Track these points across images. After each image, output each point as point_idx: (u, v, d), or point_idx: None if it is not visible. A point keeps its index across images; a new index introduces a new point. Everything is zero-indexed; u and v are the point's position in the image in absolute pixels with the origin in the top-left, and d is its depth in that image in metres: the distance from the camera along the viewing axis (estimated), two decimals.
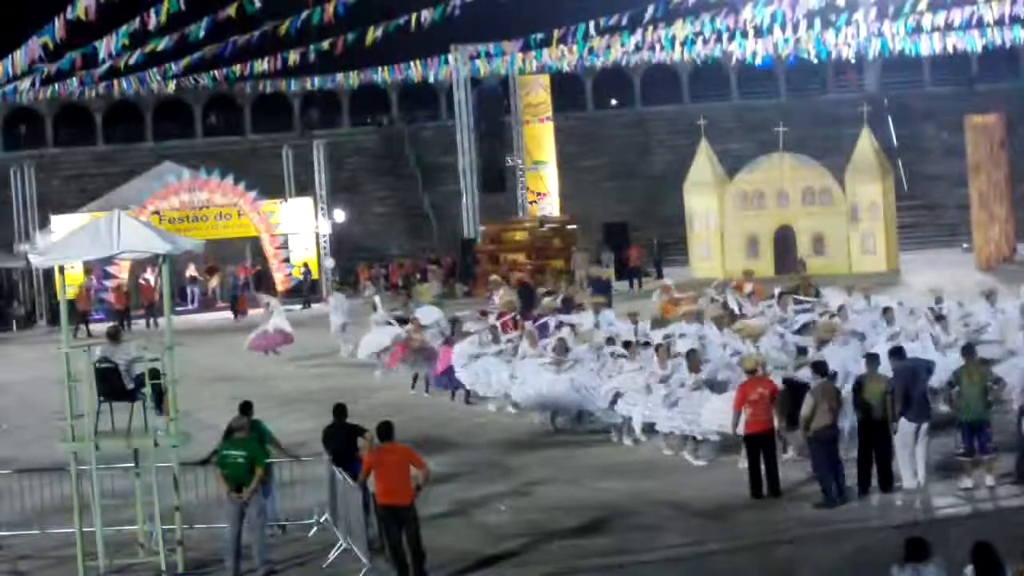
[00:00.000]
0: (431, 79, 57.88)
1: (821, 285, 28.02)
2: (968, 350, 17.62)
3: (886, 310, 22.65)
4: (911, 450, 16.78)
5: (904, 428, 16.76)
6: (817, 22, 41.64)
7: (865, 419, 16.85)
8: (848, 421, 17.36)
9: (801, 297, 26.01)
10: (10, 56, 33.72)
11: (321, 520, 16.22)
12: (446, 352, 24.63)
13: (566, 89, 61.20)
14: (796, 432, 17.47)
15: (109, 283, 44.55)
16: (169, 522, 14.97)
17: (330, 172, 50.16)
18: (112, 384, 15.16)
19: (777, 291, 26.37)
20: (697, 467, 18.60)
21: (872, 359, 17.46)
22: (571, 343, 22.64)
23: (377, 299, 32.00)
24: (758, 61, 48.52)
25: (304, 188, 49.66)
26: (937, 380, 18.36)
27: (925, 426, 16.87)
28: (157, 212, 45.03)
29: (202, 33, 34.49)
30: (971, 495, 16.41)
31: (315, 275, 47.57)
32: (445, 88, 58.20)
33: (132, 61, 38.39)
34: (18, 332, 43.72)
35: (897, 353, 17.69)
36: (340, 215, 51.86)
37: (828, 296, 26.03)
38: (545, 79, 52.99)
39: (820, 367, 17.26)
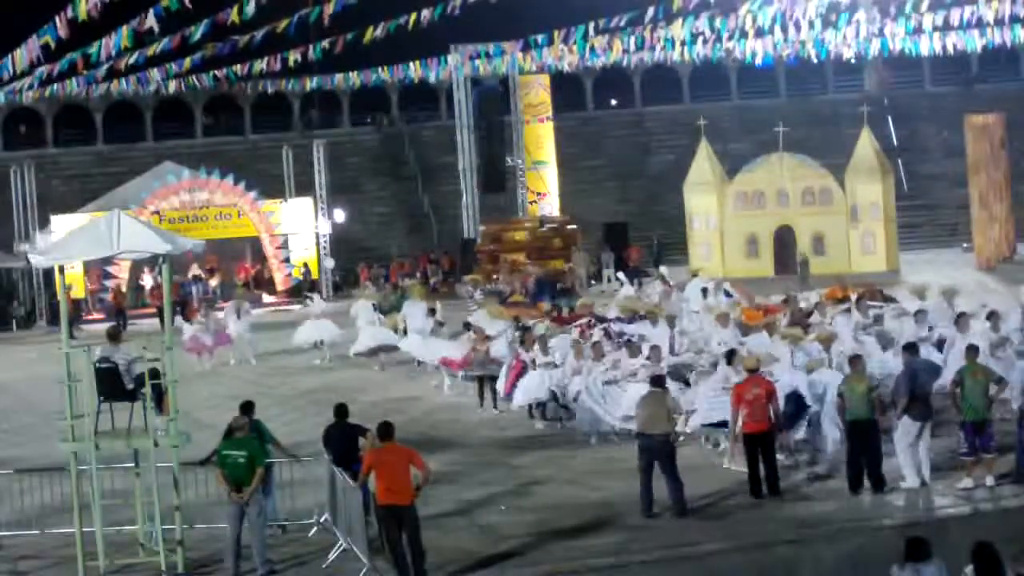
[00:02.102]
0: (431, 79, 57.93)
1: (887, 290, 27.38)
2: (972, 350, 17.63)
3: (960, 315, 21.75)
4: (914, 448, 16.79)
5: (907, 426, 16.79)
6: (817, 22, 41.68)
7: (850, 419, 16.89)
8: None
9: (873, 303, 25.03)
10: (10, 56, 33.75)
11: (321, 520, 16.22)
12: (518, 365, 22.59)
13: (566, 89, 61.20)
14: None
15: (109, 283, 44.63)
16: (169, 522, 14.97)
17: (330, 172, 50.15)
18: (112, 384, 15.15)
19: (855, 296, 25.17)
20: (697, 467, 18.53)
21: (856, 359, 17.55)
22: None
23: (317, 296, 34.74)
24: (758, 61, 48.56)
25: (304, 188, 49.65)
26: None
27: (928, 425, 16.90)
28: (157, 212, 45.04)
29: (199, 35, 34.52)
30: (971, 495, 16.40)
31: (315, 275, 47.57)
32: (445, 88, 58.18)
33: (132, 61, 38.42)
34: (18, 332, 43.71)
35: (910, 349, 17.73)
36: (340, 215, 51.86)
37: (903, 302, 25.21)
38: (545, 79, 52.99)
39: (657, 380, 17.40)
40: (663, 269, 36.66)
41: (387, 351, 28.82)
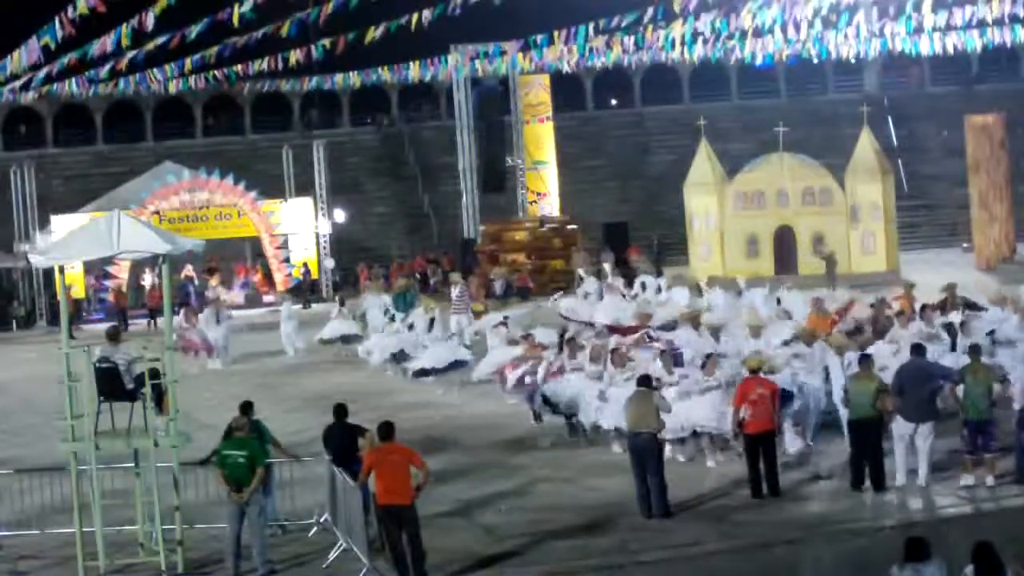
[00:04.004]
0: (431, 79, 57.90)
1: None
2: (974, 350, 17.66)
3: None
4: (907, 449, 16.81)
5: (900, 427, 16.83)
6: (817, 22, 41.64)
7: (854, 417, 16.91)
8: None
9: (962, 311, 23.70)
10: (10, 56, 33.77)
11: (321, 520, 16.22)
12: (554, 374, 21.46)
13: (566, 89, 61.16)
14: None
15: (109, 283, 44.64)
16: (169, 522, 14.97)
17: (330, 172, 50.14)
18: (112, 384, 15.15)
19: (920, 305, 23.94)
20: (695, 467, 18.52)
21: (865, 359, 17.58)
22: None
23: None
24: (758, 61, 48.54)
25: (304, 188, 49.65)
26: None
27: (926, 427, 16.86)
28: (157, 212, 45.04)
29: (194, 34, 34.50)
30: (972, 494, 16.41)
31: (315, 275, 47.58)
32: (445, 88, 58.16)
33: (132, 61, 38.42)
34: (18, 332, 43.71)
35: (915, 350, 17.75)
36: (340, 215, 51.85)
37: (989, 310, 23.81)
38: (545, 79, 52.96)
39: (643, 379, 17.21)
40: (606, 266, 37.39)
41: (348, 341, 31.44)
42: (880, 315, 23.79)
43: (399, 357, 27.87)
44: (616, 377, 19.72)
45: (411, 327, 28.91)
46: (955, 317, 22.91)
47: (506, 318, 27.38)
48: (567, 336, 22.83)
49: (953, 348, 20.77)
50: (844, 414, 18.09)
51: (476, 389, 25.61)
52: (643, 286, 32.07)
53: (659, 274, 43.39)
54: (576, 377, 20.70)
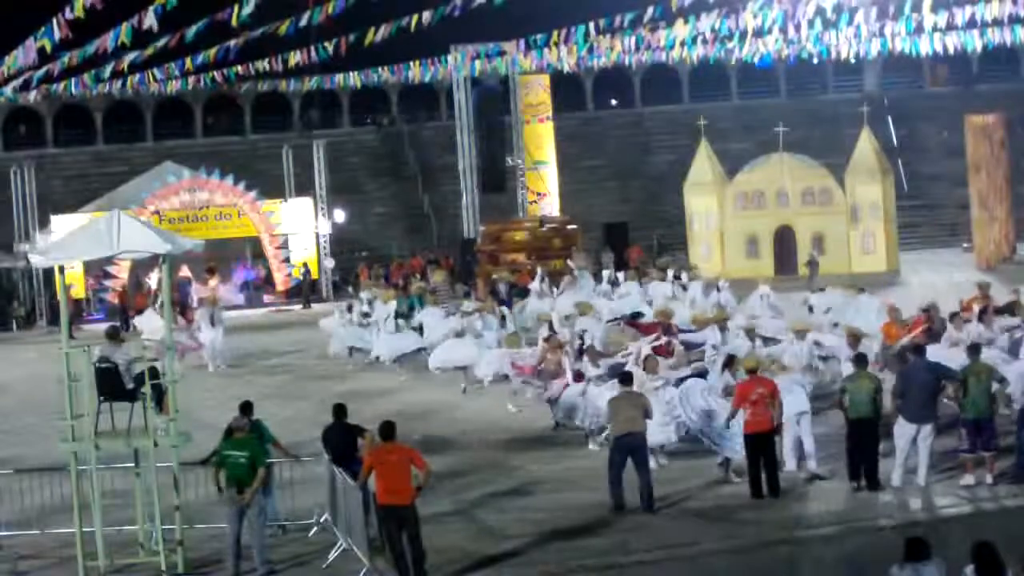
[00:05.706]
0: (431, 79, 57.89)
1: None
2: (974, 350, 17.67)
3: None
4: (906, 450, 16.82)
5: (901, 427, 16.83)
6: (817, 22, 41.61)
7: (854, 416, 16.92)
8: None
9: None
10: (10, 56, 33.74)
11: (321, 520, 16.22)
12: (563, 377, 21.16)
13: (566, 89, 61.21)
14: None
15: (109, 283, 44.64)
16: (169, 522, 14.97)
17: (330, 172, 50.17)
18: (112, 384, 15.16)
19: (978, 308, 23.41)
20: (697, 468, 18.49)
21: (860, 358, 17.64)
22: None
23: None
24: (758, 61, 48.52)
25: (304, 188, 49.66)
26: None
27: (927, 428, 16.84)
28: (157, 212, 45.08)
29: (194, 33, 34.47)
30: (972, 494, 16.41)
31: (315, 275, 47.59)
32: (445, 88, 58.20)
33: (132, 61, 38.38)
34: (18, 332, 43.73)
35: (916, 351, 17.79)
36: (340, 215, 51.86)
37: None
38: (545, 79, 52.98)
39: (626, 378, 17.37)
40: (570, 262, 38.06)
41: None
42: (935, 317, 23.28)
43: (354, 348, 29.45)
44: (646, 384, 18.86)
45: (365, 315, 30.31)
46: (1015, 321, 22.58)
47: (460, 308, 29.25)
48: (585, 344, 22.60)
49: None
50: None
51: (434, 379, 26.10)
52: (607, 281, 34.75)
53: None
54: (597, 390, 20.30)
